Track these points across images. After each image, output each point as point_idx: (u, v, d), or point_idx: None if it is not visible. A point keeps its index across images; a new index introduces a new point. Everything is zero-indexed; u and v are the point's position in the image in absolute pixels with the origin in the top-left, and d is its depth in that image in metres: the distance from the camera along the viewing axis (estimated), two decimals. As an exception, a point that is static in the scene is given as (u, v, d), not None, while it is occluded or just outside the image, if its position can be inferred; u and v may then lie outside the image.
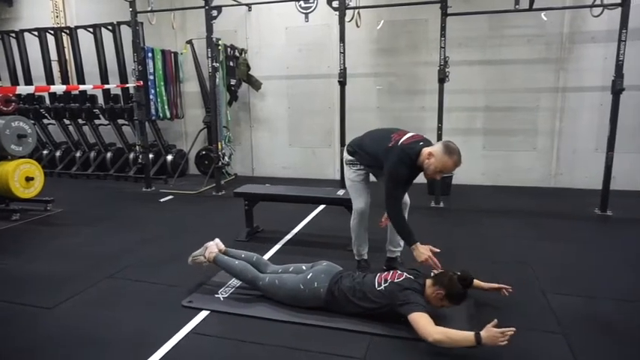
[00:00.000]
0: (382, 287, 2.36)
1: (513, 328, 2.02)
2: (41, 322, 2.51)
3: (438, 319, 2.22)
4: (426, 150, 2.63)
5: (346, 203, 3.59)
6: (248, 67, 6.50)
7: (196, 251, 2.93)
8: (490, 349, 2.11)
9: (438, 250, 2.64)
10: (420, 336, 2.14)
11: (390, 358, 2.13)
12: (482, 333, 2.03)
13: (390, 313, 2.33)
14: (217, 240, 2.97)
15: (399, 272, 2.44)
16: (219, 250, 2.90)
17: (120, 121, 6.83)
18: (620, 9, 4.26)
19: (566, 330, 2.33)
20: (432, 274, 2.46)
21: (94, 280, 3.04)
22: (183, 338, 2.30)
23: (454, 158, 2.57)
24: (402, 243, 3.04)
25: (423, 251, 2.60)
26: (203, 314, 2.54)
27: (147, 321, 2.50)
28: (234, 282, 2.91)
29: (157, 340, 2.27)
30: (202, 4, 5.26)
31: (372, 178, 3.09)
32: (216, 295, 2.73)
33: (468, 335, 2.05)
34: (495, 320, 2.06)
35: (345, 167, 3.08)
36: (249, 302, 2.64)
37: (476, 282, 2.58)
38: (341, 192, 3.74)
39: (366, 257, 3.17)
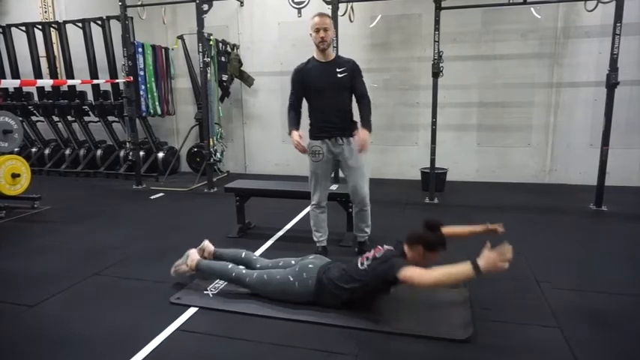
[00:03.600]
0: (365, 265, 2.35)
1: (510, 247, 1.90)
2: (21, 320, 2.43)
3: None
4: None
5: (339, 198, 3.55)
6: (240, 63, 6.42)
7: (178, 261, 2.85)
8: (487, 342, 2.06)
9: (302, 144, 2.94)
10: (419, 285, 2.09)
11: (383, 354, 2.07)
12: (480, 260, 1.94)
13: (376, 288, 2.30)
14: (206, 242, 2.91)
15: (378, 247, 2.42)
16: (209, 252, 2.86)
17: (110, 118, 6.73)
18: (614, 3, 4.24)
19: (562, 323, 2.29)
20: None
21: (80, 278, 2.95)
22: (169, 335, 2.23)
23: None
24: (367, 230, 3.28)
25: (293, 138, 2.96)
26: (191, 311, 2.47)
27: (133, 318, 2.42)
28: (224, 278, 2.84)
29: (142, 338, 2.19)
30: (193, -2, 5.18)
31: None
32: (205, 292, 2.66)
33: (465, 267, 1.98)
34: (487, 242, 1.97)
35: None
36: (239, 299, 2.57)
37: (466, 229, 2.58)
38: (334, 187, 3.68)
39: (324, 244, 3.23)
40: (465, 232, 2.57)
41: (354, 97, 3.08)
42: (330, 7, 4.85)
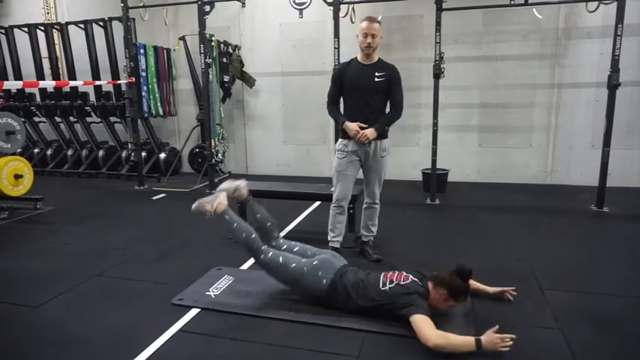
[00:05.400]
0: (387, 288, 2.29)
1: (513, 335, 2.00)
2: (25, 321, 2.44)
3: (437, 317, 2.18)
4: None
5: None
6: (241, 64, 6.44)
7: (205, 198, 2.62)
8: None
9: (365, 126, 2.94)
10: (421, 339, 2.08)
11: (385, 356, 2.08)
12: (483, 338, 2.00)
13: (388, 312, 2.27)
14: (244, 182, 2.73)
15: (405, 274, 2.36)
16: (242, 196, 2.70)
17: (112, 119, 6.75)
18: (615, 4, 4.24)
19: (563, 325, 2.29)
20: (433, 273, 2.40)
21: (82, 279, 2.96)
22: (171, 337, 2.24)
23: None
24: (374, 229, 3.32)
25: (352, 127, 2.96)
26: (194, 312, 2.48)
27: (135, 319, 2.43)
28: (227, 279, 2.85)
29: (144, 339, 2.20)
30: (195, -1, 5.20)
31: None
32: (208, 293, 2.67)
33: (469, 340, 2.01)
34: (497, 326, 2.03)
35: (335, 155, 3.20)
36: (242, 299, 2.58)
37: (479, 286, 2.55)
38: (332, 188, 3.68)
39: (336, 247, 3.19)
40: (484, 291, 2.56)
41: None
42: (331, 8, 4.86)
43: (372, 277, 2.39)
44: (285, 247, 2.64)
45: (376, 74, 2.99)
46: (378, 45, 2.99)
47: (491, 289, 2.57)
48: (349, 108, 3.12)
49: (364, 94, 3.02)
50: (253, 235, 2.53)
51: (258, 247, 2.51)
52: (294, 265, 2.44)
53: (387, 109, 3.14)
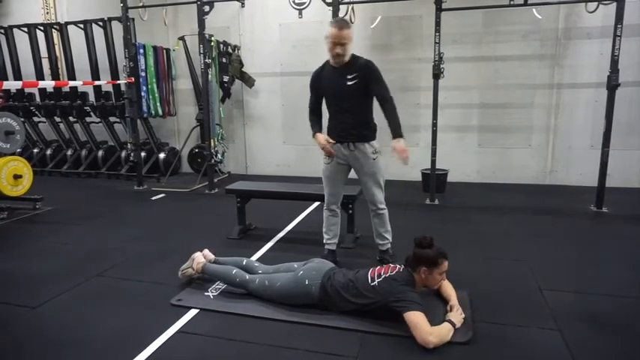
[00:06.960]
0: (375, 282, 2.31)
1: (456, 304, 2.33)
2: (24, 321, 2.44)
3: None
4: None
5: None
6: (241, 64, 6.44)
7: (184, 264, 2.88)
8: (486, 344, 2.08)
9: (333, 142, 2.90)
10: (418, 340, 2.09)
11: (384, 356, 2.08)
12: (452, 319, 2.19)
13: (384, 308, 2.27)
14: (206, 250, 2.93)
15: (392, 266, 2.39)
16: (209, 260, 2.86)
17: (111, 119, 6.75)
18: (614, 4, 4.24)
19: (561, 326, 2.29)
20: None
21: (81, 279, 2.96)
22: (170, 337, 2.24)
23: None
24: (387, 236, 3.14)
25: (320, 140, 2.91)
26: (192, 312, 2.48)
27: (134, 320, 2.43)
28: (225, 280, 2.85)
29: (143, 340, 2.21)
30: (194, -1, 5.20)
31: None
32: (206, 293, 2.67)
33: (449, 328, 2.16)
34: (448, 306, 2.33)
35: None
36: (240, 300, 2.58)
37: (449, 291, 2.44)
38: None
39: (332, 249, 3.17)
40: (446, 298, 2.43)
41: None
42: (330, 8, 4.86)
43: (360, 275, 2.40)
44: (271, 270, 2.69)
45: (348, 77, 2.80)
46: (348, 50, 2.77)
47: (451, 301, 2.38)
48: (331, 113, 3.01)
49: (339, 99, 2.89)
50: (234, 271, 2.68)
51: (243, 280, 2.63)
52: (280, 281, 2.51)
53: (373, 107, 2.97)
